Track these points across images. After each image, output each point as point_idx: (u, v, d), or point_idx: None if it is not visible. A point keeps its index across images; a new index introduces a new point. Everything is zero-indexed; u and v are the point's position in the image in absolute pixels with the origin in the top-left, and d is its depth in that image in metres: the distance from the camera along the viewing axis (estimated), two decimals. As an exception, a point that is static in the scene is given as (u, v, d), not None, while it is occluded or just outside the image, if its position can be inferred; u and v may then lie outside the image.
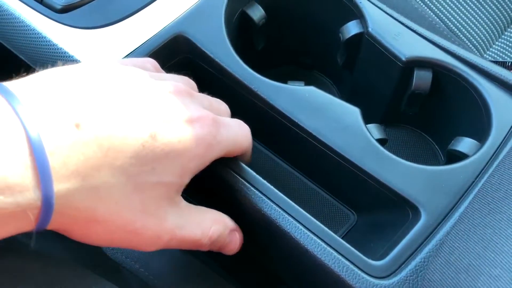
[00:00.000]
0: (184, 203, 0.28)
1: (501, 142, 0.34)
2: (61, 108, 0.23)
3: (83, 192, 0.23)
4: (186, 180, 0.27)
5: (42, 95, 0.23)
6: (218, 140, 0.28)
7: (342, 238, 0.39)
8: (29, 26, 0.37)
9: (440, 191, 0.33)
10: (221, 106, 0.33)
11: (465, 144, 0.37)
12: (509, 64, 0.43)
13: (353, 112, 0.36)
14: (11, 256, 0.27)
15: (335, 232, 0.40)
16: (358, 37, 0.41)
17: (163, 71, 0.33)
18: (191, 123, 0.27)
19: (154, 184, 0.25)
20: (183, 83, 0.31)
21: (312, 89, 0.37)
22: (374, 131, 0.37)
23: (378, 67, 0.41)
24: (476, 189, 0.30)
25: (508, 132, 0.35)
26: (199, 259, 0.39)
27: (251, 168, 0.33)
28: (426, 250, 0.30)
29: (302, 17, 0.44)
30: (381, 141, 0.37)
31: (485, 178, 0.31)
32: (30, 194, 0.21)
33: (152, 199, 0.26)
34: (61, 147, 0.22)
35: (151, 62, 0.32)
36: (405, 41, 0.39)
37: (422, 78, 0.38)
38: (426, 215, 0.32)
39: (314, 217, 0.32)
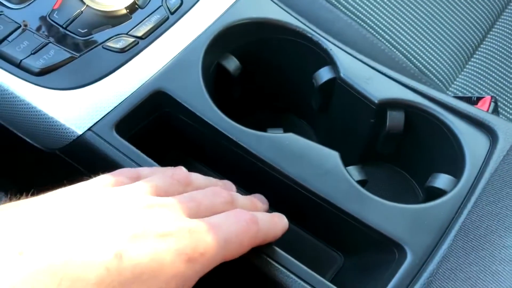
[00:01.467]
0: None
1: (476, 176, 0.36)
2: (3, 236, 0.21)
3: None
4: None
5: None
6: (202, 251, 0.25)
7: (330, 280, 0.39)
8: (7, 90, 0.37)
9: (423, 229, 0.34)
10: (219, 196, 0.30)
11: (441, 180, 0.38)
12: (475, 99, 0.45)
13: (333, 156, 0.37)
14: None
15: (323, 275, 0.40)
16: (331, 82, 0.42)
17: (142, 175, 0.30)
18: (164, 237, 0.24)
19: None
20: (162, 182, 0.29)
21: (291, 135, 0.38)
22: (354, 173, 0.38)
23: (353, 110, 0.42)
24: (458, 226, 0.31)
25: (481, 166, 0.36)
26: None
27: None
28: (414, 289, 0.31)
29: (276, 66, 0.46)
30: (362, 182, 0.38)
31: (464, 214, 0.32)
32: None
33: None
34: (4, 279, 0.19)
35: (125, 174, 0.30)
36: (376, 84, 0.40)
37: (395, 119, 0.40)
38: (412, 254, 0.33)
39: (301, 261, 0.33)
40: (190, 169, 0.44)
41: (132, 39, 0.40)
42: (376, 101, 0.40)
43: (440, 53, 0.65)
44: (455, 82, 0.64)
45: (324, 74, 0.43)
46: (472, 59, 0.66)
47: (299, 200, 0.37)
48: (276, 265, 0.32)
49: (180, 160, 0.44)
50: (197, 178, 0.33)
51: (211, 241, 0.26)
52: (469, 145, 0.38)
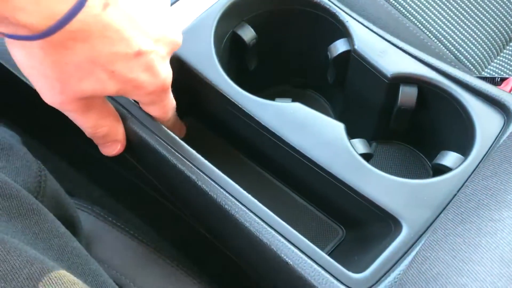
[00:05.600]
0: None
1: (484, 155, 0.35)
2: None
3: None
4: None
5: None
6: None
7: (330, 252, 0.40)
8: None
9: (422, 205, 0.33)
10: None
11: (449, 158, 0.37)
12: (498, 79, 0.43)
13: (337, 127, 0.37)
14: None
15: (324, 247, 0.40)
16: (345, 55, 0.42)
17: None
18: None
19: None
20: None
21: (297, 105, 0.38)
22: (358, 146, 0.37)
23: (366, 84, 0.41)
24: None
25: (491, 146, 0.35)
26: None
27: (239, 184, 0.34)
28: (405, 262, 0.31)
29: (292, 37, 0.46)
30: (366, 156, 0.37)
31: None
32: None
33: None
34: None
35: None
36: (390, 58, 0.39)
37: (407, 94, 0.39)
38: (407, 228, 0.32)
39: (304, 232, 0.33)
40: (201, 136, 0.45)
41: (148, 4, 0.41)
42: (389, 75, 0.39)
43: (475, 37, 0.62)
44: (488, 67, 0.61)
45: (339, 46, 0.42)
46: (511, 44, 0.63)
47: (302, 171, 0.37)
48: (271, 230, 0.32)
49: (192, 126, 0.45)
50: None
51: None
52: (481, 123, 0.36)
